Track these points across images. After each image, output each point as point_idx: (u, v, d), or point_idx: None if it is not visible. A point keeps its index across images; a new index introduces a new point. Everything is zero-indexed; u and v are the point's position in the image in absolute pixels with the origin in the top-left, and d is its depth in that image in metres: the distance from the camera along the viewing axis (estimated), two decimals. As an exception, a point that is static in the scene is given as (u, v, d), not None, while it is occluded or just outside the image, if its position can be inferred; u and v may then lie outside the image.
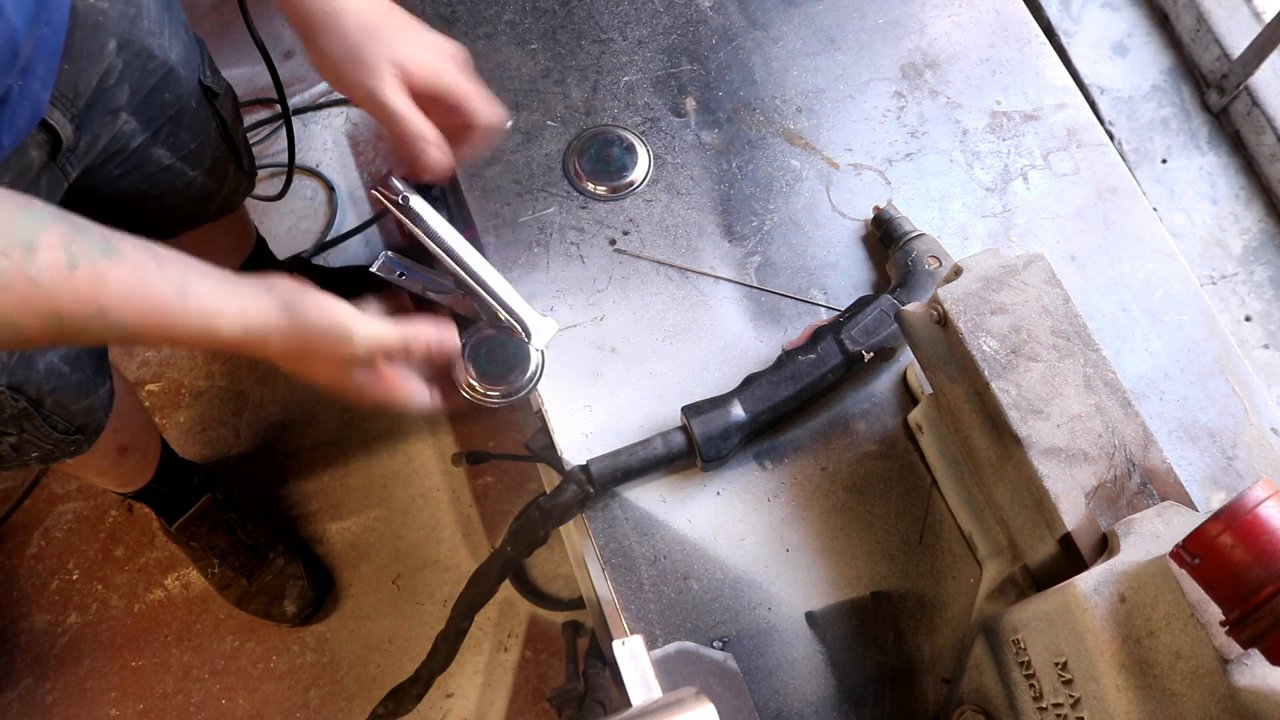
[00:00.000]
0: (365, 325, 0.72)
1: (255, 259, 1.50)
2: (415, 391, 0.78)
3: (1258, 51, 1.44)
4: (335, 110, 1.90)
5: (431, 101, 0.78)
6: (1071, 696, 0.62)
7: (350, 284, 1.65)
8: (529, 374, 0.87)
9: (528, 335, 0.86)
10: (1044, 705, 0.65)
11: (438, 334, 0.77)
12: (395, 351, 0.75)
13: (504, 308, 0.86)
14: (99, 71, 0.85)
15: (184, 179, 1.07)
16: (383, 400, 0.76)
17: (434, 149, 0.77)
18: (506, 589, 1.54)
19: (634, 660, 0.66)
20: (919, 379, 0.86)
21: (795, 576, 0.82)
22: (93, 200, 1.00)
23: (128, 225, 1.14)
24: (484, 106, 0.79)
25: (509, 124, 0.86)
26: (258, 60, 1.61)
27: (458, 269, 0.85)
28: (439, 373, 0.84)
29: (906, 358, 0.89)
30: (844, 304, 0.91)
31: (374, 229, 1.83)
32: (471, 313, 0.90)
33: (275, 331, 0.70)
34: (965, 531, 0.82)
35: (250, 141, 1.85)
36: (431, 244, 0.85)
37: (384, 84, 0.75)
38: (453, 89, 0.78)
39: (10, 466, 1.00)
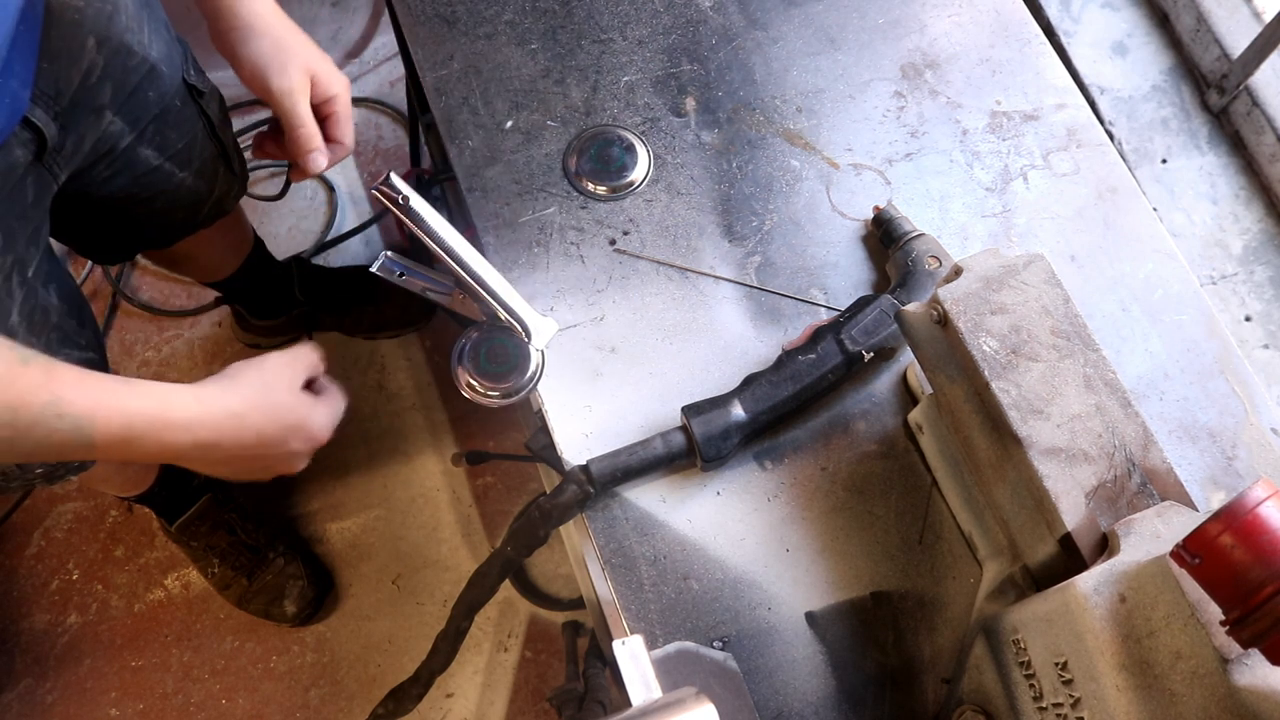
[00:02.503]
0: (310, 423, 0.78)
1: (253, 260, 1.50)
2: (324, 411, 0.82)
3: (1258, 51, 1.44)
4: (335, 110, 1.89)
5: (316, 109, 0.89)
6: (1071, 696, 0.62)
7: (350, 284, 1.65)
8: (529, 374, 0.87)
9: (528, 335, 0.86)
10: (1044, 705, 0.65)
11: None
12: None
13: (504, 308, 0.86)
14: (80, 70, 0.85)
15: (173, 180, 1.07)
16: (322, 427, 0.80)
17: (320, 155, 0.89)
18: (506, 589, 1.54)
19: (634, 660, 0.66)
20: (919, 379, 0.86)
21: (795, 576, 0.82)
22: (85, 205, 1.00)
23: (121, 231, 1.13)
24: (349, 132, 0.92)
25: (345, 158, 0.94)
26: (258, 60, 1.61)
27: (458, 269, 0.85)
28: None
29: (906, 358, 0.89)
30: (844, 304, 0.91)
31: (374, 229, 1.83)
32: (471, 313, 0.90)
33: (226, 434, 0.72)
34: (965, 531, 0.82)
35: (250, 142, 1.85)
36: (431, 244, 0.85)
37: (298, 89, 0.85)
38: (338, 107, 0.90)
39: (15, 486, 0.99)
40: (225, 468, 0.75)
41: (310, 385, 0.81)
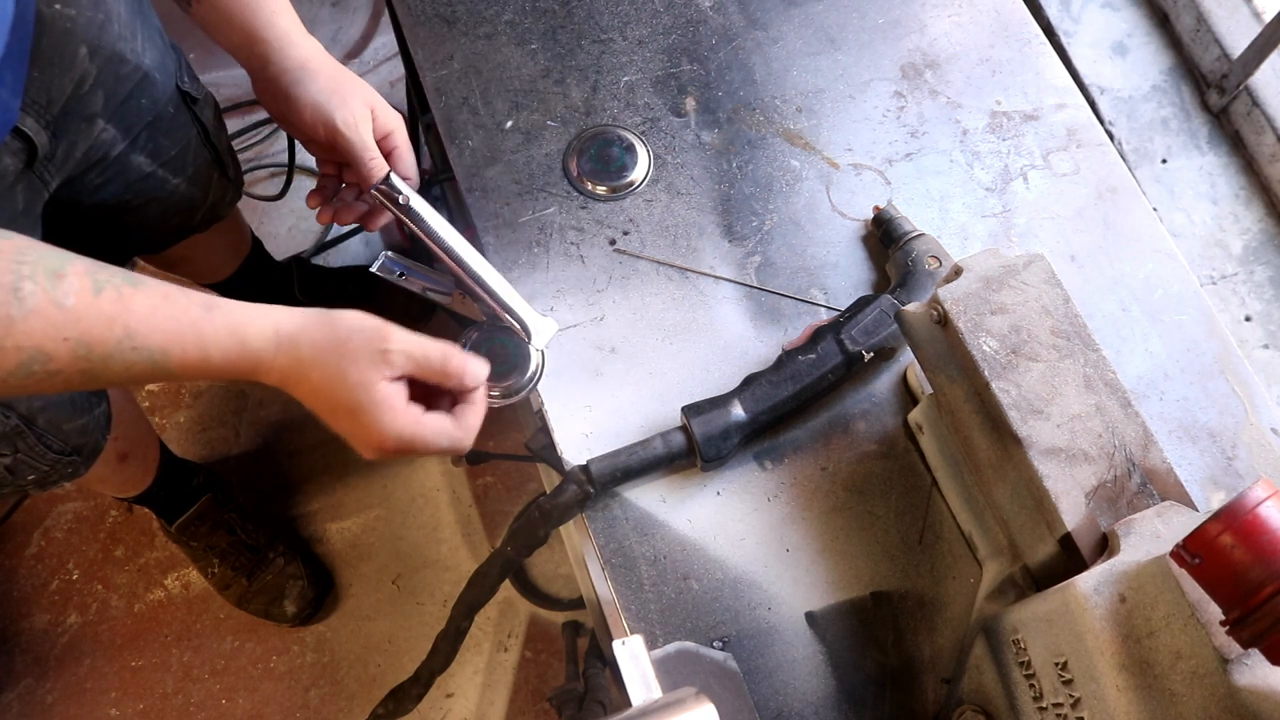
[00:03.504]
0: (404, 331, 0.70)
1: (252, 261, 1.50)
2: (440, 427, 0.72)
3: (1258, 51, 1.44)
4: (335, 110, 1.89)
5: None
6: (1071, 696, 0.62)
7: (350, 284, 1.65)
8: (529, 374, 0.87)
9: (528, 335, 0.86)
10: (1044, 705, 0.65)
11: (474, 363, 0.73)
12: (431, 367, 0.71)
13: (504, 308, 0.86)
14: (72, 79, 0.85)
15: (166, 187, 1.06)
16: (411, 436, 0.70)
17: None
18: (506, 589, 1.54)
19: (634, 660, 0.66)
20: (919, 379, 0.86)
21: (795, 576, 0.82)
22: (77, 212, 0.99)
23: (114, 238, 1.13)
24: (413, 165, 0.90)
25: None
26: (258, 60, 1.61)
27: (458, 269, 0.85)
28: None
29: (906, 358, 0.89)
30: (844, 304, 0.91)
31: (375, 231, 1.83)
32: (471, 313, 0.90)
33: (306, 332, 0.67)
34: (965, 531, 0.82)
35: (250, 142, 1.86)
36: (431, 244, 0.85)
37: (362, 120, 0.85)
38: (399, 141, 0.89)
39: (6, 492, 0.98)
40: (305, 404, 0.71)
41: (431, 393, 0.72)
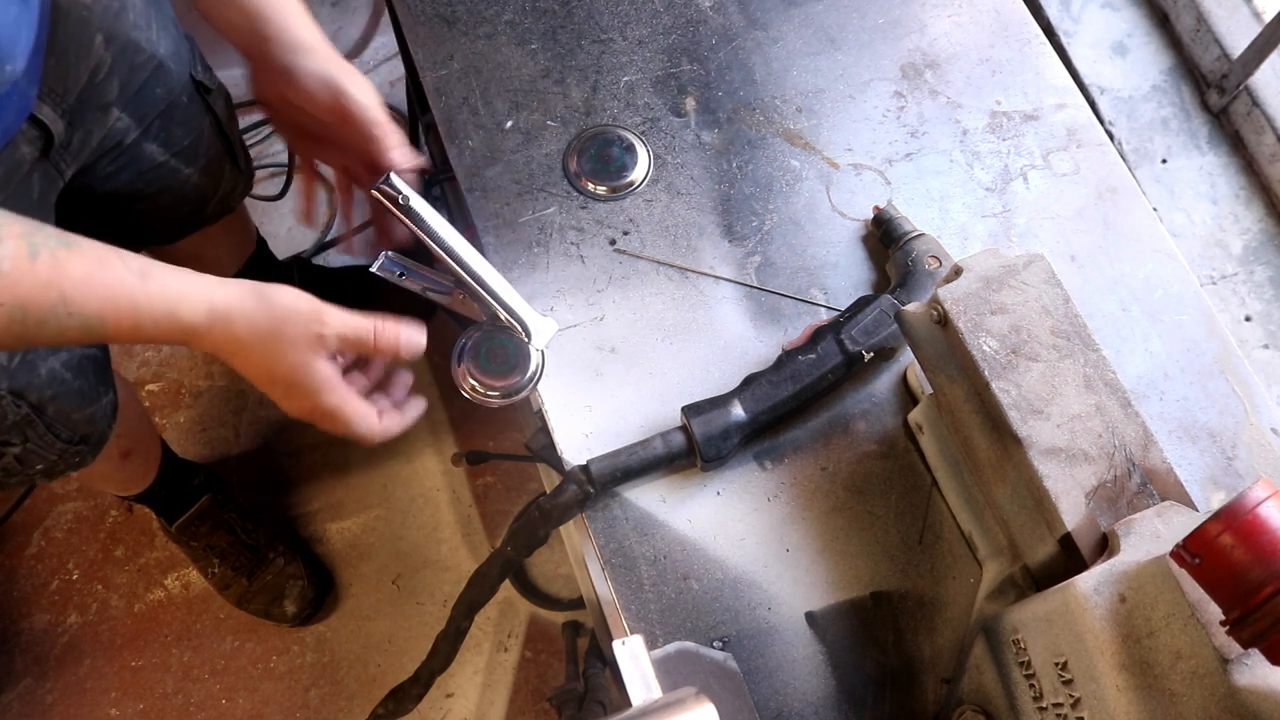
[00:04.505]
0: (336, 310, 0.73)
1: (256, 260, 1.50)
2: (366, 413, 0.77)
3: (1258, 51, 1.44)
4: (335, 110, 1.89)
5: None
6: (1071, 696, 0.62)
7: (350, 284, 1.65)
8: (529, 374, 0.87)
9: (528, 335, 0.86)
10: (1044, 705, 0.65)
11: (406, 332, 0.76)
12: (364, 344, 0.74)
13: (504, 308, 0.86)
14: (88, 67, 0.85)
15: (179, 177, 1.06)
16: (336, 410, 0.74)
17: (408, 150, 0.85)
18: (506, 589, 1.54)
19: (634, 660, 0.66)
20: (919, 379, 0.86)
21: (795, 576, 0.82)
22: (89, 200, 1.00)
23: (126, 227, 1.13)
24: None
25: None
26: (258, 60, 1.61)
27: (458, 269, 0.85)
28: (393, 397, 0.84)
29: (906, 358, 0.89)
30: (844, 304, 0.91)
31: (374, 229, 1.83)
32: (471, 313, 0.90)
33: (242, 312, 0.69)
34: (965, 531, 0.82)
35: (250, 142, 1.86)
36: (431, 244, 0.85)
37: (373, 93, 0.82)
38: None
39: (15, 481, 0.98)
40: (238, 370, 0.73)
41: (373, 375, 0.77)
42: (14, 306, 0.59)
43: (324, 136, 0.87)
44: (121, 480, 1.36)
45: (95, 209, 1.03)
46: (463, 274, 0.85)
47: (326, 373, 0.73)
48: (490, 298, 0.85)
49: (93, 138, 0.90)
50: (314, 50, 0.82)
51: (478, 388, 0.86)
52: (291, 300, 0.71)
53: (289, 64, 0.82)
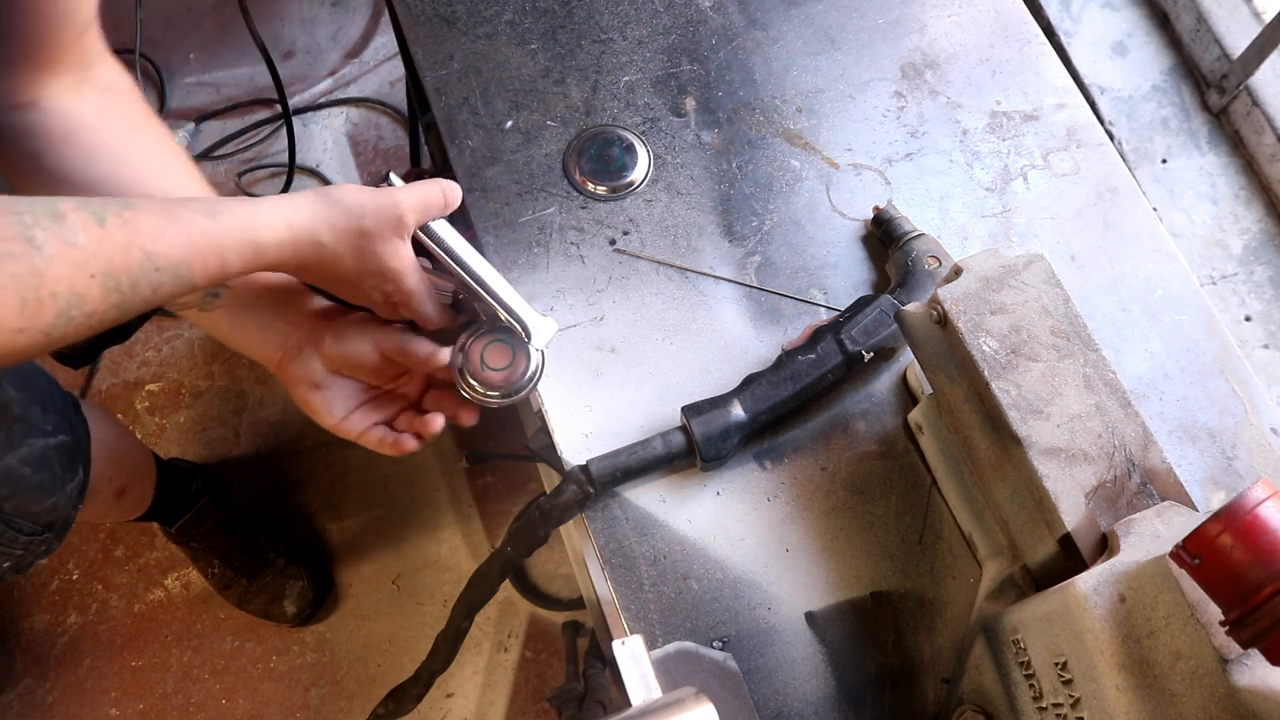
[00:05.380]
0: (401, 188, 0.74)
1: None
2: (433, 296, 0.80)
3: (1258, 51, 1.44)
4: (335, 110, 1.90)
5: None
6: (1071, 696, 0.62)
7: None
8: (529, 374, 0.87)
9: (528, 335, 0.86)
10: (1044, 705, 0.65)
11: (450, 191, 0.80)
12: (435, 205, 0.77)
13: (504, 308, 0.86)
14: None
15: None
16: (415, 290, 0.78)
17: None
18: (506, 589, 1.54)
19: (634, 660, 0.66)
20: (919, 379, 0.86)
21: (795, 576, 0.82)
22: None
23: None
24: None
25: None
26: (258, 60, 1.61)
27: (457, 269, 0.85)
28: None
29: (906, 358, 0.89)
30: (844, 304, 0.91)
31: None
32: (471, 312, 0.89)
33: (321, 219, 0.69)
34: (965, 531, 0.82)
35: (250, 142, 1.86)
36: (431, 244, 0.85)
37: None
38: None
39: None
40: (327, 285, 0.74)
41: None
42: (105, 275, 0.57)
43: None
44: (120, 513, 1.34)
45: None
46: (462, 274, 0.85)
47: (410, 255, 0.75)
48: (490, 298, 0.85)
49: None
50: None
51: (477, 388, 0.86)
52: (360, 195, 0.71)
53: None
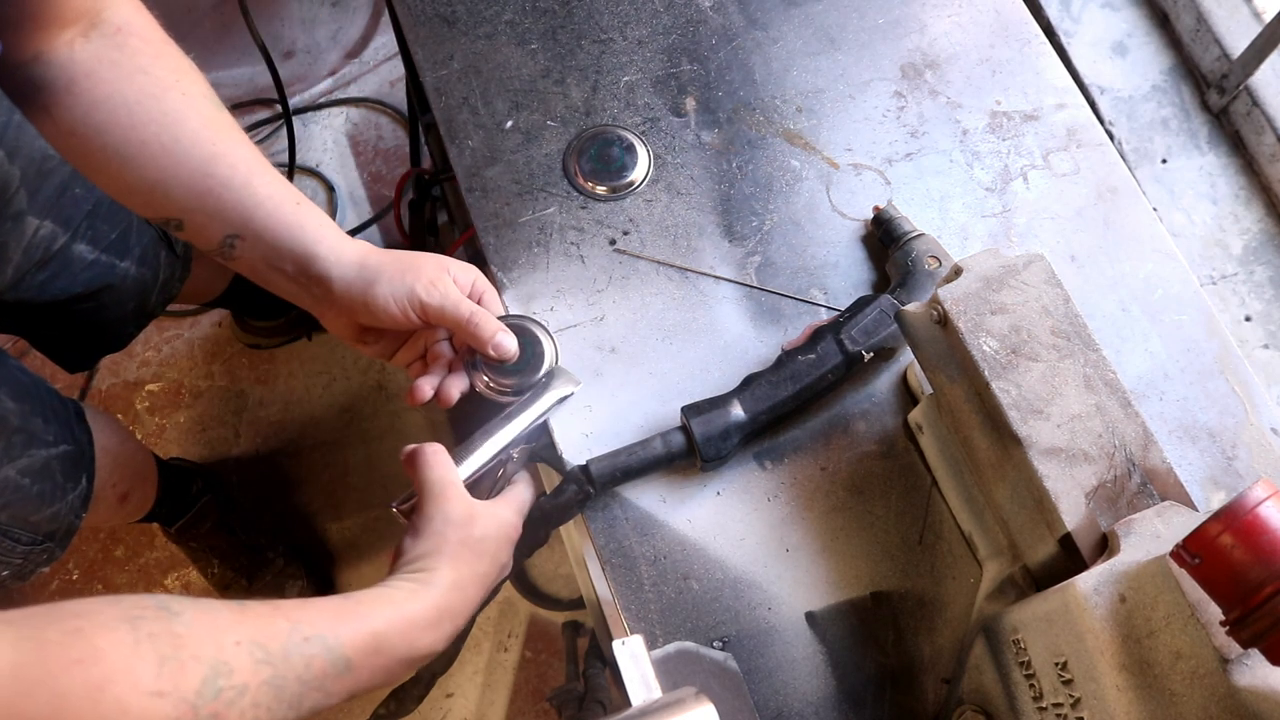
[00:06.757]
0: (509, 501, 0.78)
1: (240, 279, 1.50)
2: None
3: (1258, 51, 1.44)
4: (335, 110, 1.90)
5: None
6: (1071, 696, 0.62)
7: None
8: (543, 371, 0.87)
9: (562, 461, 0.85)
10: (1044, 705, 0.65)
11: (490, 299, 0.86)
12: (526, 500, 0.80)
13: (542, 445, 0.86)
14: None
15: (115, 272, 1.04)
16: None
17: (506, 334, 0.83)
18: (507, 589, 1.54)
19: (634, 660, 0.66)
20: (919, 379, 0.86)
21: (795, 576, 0.82)
22: (32, 314, 0.97)
23: (75, 336, 1.11)
24: (497, 302, 0.88)
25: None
26: (258, 60, 1.61)
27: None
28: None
29: (906, 358, 0.89)
30: (844, 304, 0.91)
31: (374, 229, 1.83)
32: None
33: (457, 589, 0.70)
34: (965, 531, 0.82)
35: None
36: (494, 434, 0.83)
37: (443, 281, 0.81)
38: (483, 287, 0.86)
39: None
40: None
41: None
42: (252, 644, 0.54)
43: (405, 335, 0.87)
44: (122, 517, 1.34)
45: (41, 321, 1.01)
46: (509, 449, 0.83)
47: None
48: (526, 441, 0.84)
49: (10, 249, 0.87)
50: (374, 268, 0.79)
51: (491, 384, 0.86)
52: (482, 590, 0.73)
53: (359, 296, 0.79)
